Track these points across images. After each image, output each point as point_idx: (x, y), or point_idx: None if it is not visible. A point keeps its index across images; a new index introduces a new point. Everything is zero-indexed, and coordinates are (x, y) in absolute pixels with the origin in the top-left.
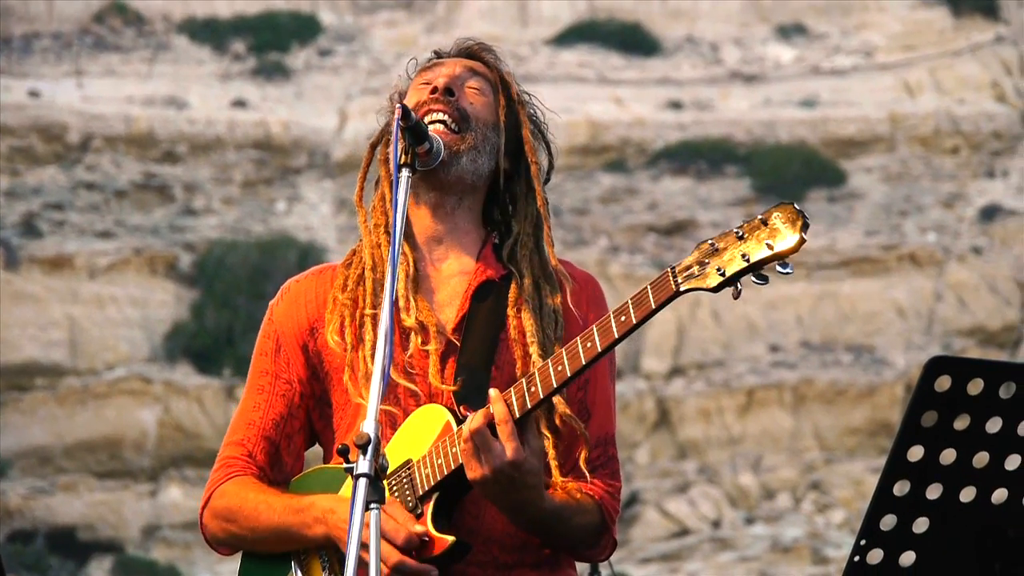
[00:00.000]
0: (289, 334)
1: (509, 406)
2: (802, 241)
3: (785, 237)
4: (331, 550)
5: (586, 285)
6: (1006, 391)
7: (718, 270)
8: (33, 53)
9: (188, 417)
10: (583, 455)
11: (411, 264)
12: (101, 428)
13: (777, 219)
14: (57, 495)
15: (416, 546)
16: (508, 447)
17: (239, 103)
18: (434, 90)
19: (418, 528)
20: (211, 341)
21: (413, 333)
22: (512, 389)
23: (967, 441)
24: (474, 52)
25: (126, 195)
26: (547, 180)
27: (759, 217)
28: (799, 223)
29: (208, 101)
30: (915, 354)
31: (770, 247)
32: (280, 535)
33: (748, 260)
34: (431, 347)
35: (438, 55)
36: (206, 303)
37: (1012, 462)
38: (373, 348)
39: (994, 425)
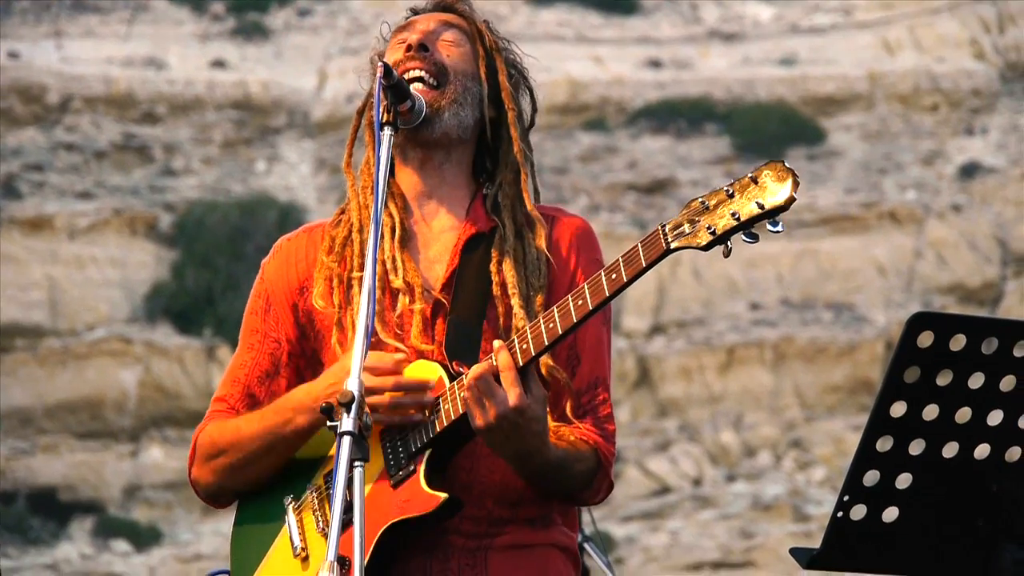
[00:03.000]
0: (279, 293)
1: (513, 354)
2: (792, 199)
3: (775, 195)
4: (323, 497)
5: (577, 228)
6: (988, 347)
7: (708, 228)
8: (12, 15)
9: (169, 377)
10: (569, 405)
11: (397, 223)
12: (82, 389)
13: (767, 177)
14: (38, 456)
15: (404, 367)
16: (512, 393)
17: (218, 63)
18: (408, 47)
19: (400, 353)
20: (191, 301)
21: (401, 293)
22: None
23: (950, 397)
24: (448, 4)
25: (106, 156)
26: (531, 125)
27: (749, 175)
28: (789, 181)
29: (187, 61)
30: (895, 311)
31: (760, 205)
32: (267, 442)
33: (739, 218)
34: (416, 306)
35: (414, 12)
36: (186, 263)
37: (994, 417)
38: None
39: (976, 381)
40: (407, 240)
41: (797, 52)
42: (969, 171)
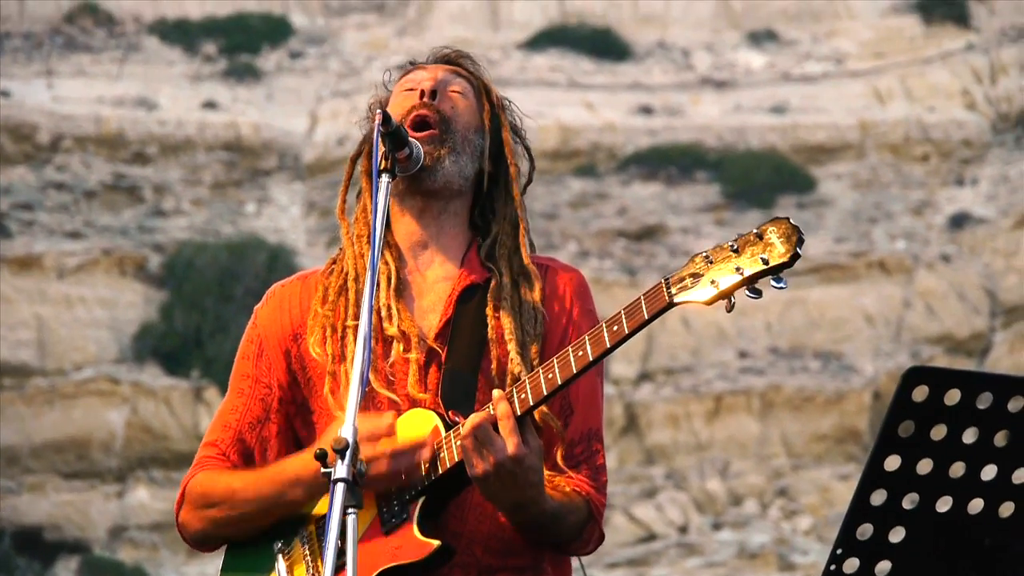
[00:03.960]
0: (272, 339)
1: (512, 404)
2: (796, 256)
3: (780, 252)
4: (314, 543)
5: (571, 279)
6: (983, 402)
7: (712, 283)
8: (3, 53)
9: (156, 418)
10: (559, 453)
11: (393, 271)
12: (68, 429)
13: (772, 233)
14: (24, 495)
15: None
16: (510, 442)
17: (209, 104)
18: (421, 94)
19: (390, 412)
20: (179, 342)
21: (395, 342)
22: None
23: (944, 451)
24: (452, 59)
25: (95, 196)
26: (528, 182)
27: (754, 231)
28: (794, 238)
29: (178, 102)
30: (883, 361)
31: (764, 262)
32: (261, 508)
33: (742, 274)
34: (412, 356)
35: (413, 65)
36: (175, 304)
37: (988, 472)
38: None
39: (971, 435)
40: (401, 290)
41: (788, 100)
42: (959, 221)
